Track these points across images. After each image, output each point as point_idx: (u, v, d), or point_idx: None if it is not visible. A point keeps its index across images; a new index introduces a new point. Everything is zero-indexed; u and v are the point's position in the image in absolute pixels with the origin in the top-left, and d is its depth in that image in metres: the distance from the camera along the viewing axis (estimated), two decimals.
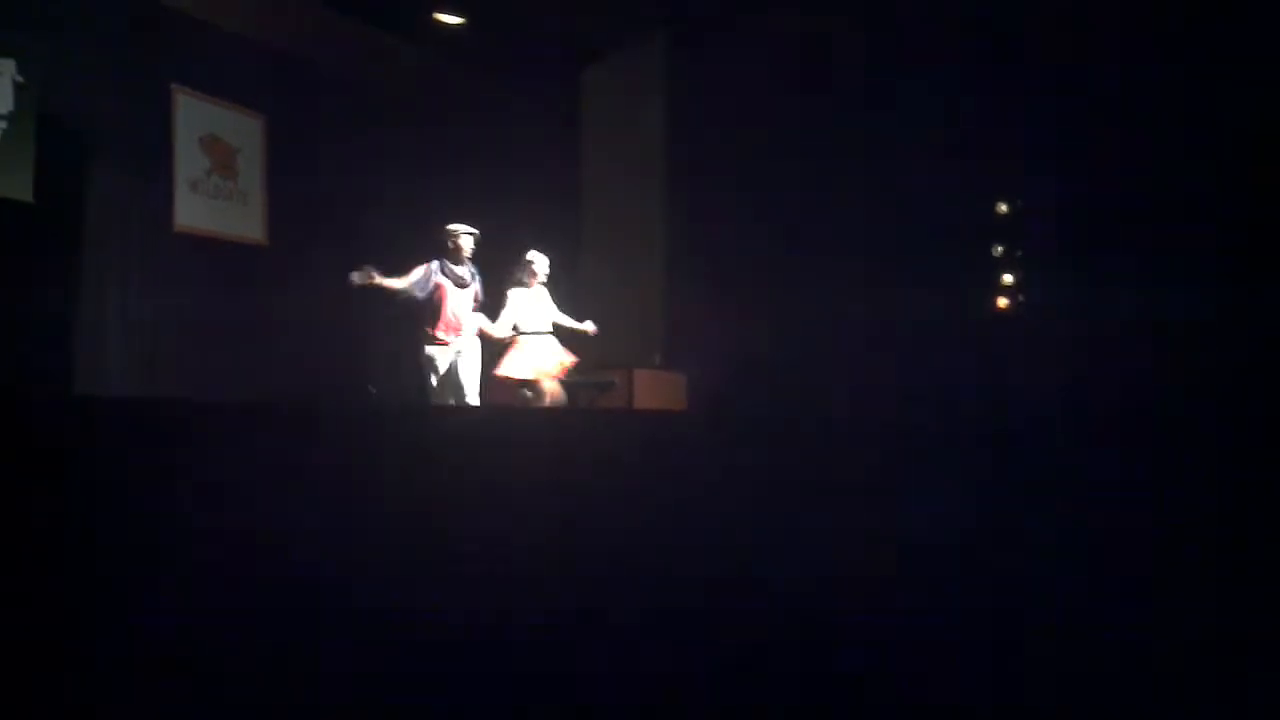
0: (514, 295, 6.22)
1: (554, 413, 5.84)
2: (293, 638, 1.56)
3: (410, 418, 3.52)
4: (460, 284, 5.99)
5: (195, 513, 1.80)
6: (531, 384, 6.19)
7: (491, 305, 6.23)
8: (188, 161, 7.13)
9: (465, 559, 1.84)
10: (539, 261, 6.26)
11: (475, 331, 6.06)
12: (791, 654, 1.72)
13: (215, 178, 7.33)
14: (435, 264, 5.96)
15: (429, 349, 5.95)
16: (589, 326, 6.40)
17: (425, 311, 5.96)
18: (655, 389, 6.92)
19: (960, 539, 2.04)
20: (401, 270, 5.92)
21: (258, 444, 2.06)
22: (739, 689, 1.66)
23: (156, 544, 1.72)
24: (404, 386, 7.29)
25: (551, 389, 6.23)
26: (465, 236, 6.04)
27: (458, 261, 6.02)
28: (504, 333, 6.14)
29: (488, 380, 6.15)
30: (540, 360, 6.17)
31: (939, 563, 1.99)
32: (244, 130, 7.59)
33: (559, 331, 6.37)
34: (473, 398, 5.99)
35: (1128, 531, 2.06)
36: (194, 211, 7.16)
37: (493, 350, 6.25)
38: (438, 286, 5.91)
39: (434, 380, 5.96)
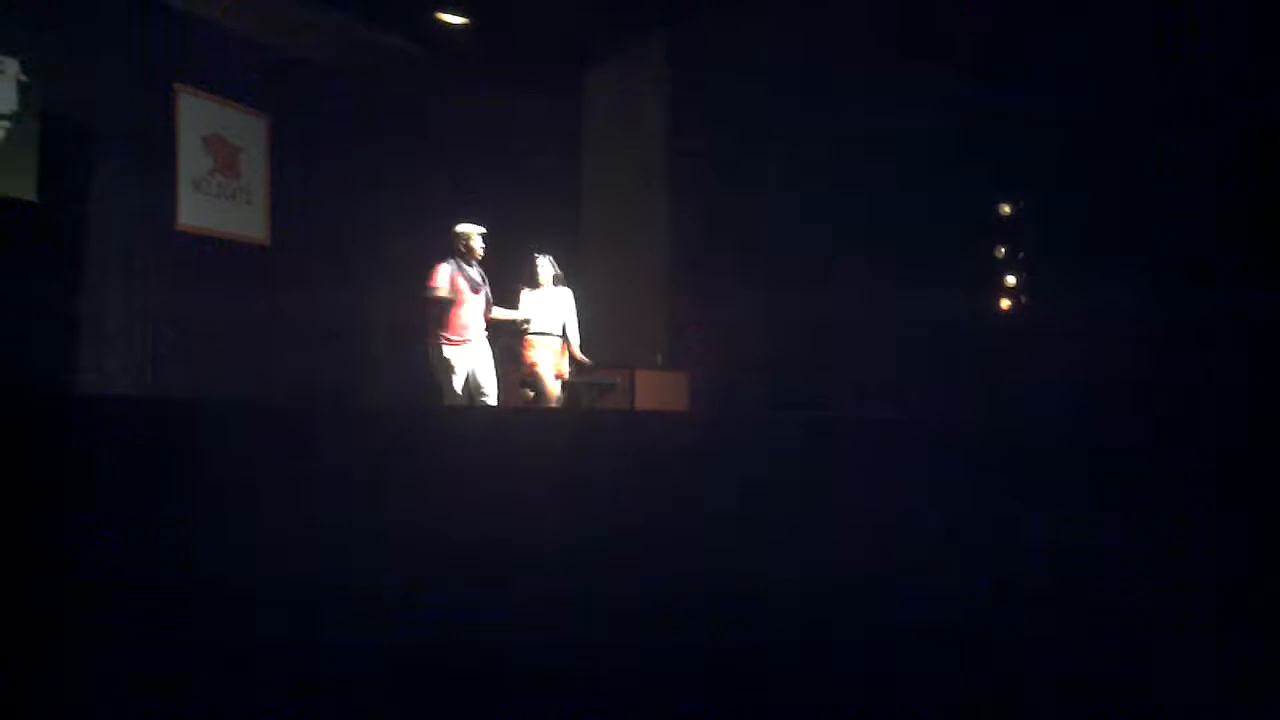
0: (525, 296, 6.24)
1: (556, 413, 5.84)
2: (292, 638, 1.57)
3: (411, 418, 3.53)
4: (474, 287, 5.96)
5: (196, 511, 1.81)
6: (535, 384, 6.19)
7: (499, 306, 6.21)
8: (191, 161, 7.14)
9: (466, 560, 1.85)
10: (543, 265, 6.27)
11: (485, 330, 6.02)
12: (792, 655, 1.73)
13: (218, 177, 7.35)
14: (451, 264, 5.93)
15: (447, 350, 5.88)
16: (583, 358, 6.37)
17: (444, 313, 5.91)
18: (657, 389, 6.93)
19: (961, 539, 2.05)
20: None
21: (259, 443, 2.08)
22: (740, 688, 1.66)
23: (158, 543, 1.74)
24: (405, 387, 7.31)
25: (553, 389, 6.23)
26: (477, 237, 6.02)
27: (469, 262, 5.99)
28: (517, 317, 6.15)
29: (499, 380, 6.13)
30: (545, 361, 6.19)
31: (939, 562, 2.00)
32: (247, 130, 7.60)
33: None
34: (491, 398, 5.95)
35: (1127, 532, 2.07)
36: (197, 211, 7.18)
37: (505, 349, 6.26)
38: (457, 288, 5.90)
39: (454, 381, 5.90)
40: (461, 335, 5.85)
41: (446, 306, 5.84)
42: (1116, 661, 1.66)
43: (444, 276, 5.86)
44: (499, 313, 6.08)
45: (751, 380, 6.58)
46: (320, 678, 1.49)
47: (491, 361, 6.02)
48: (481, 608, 1.69)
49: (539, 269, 6.24)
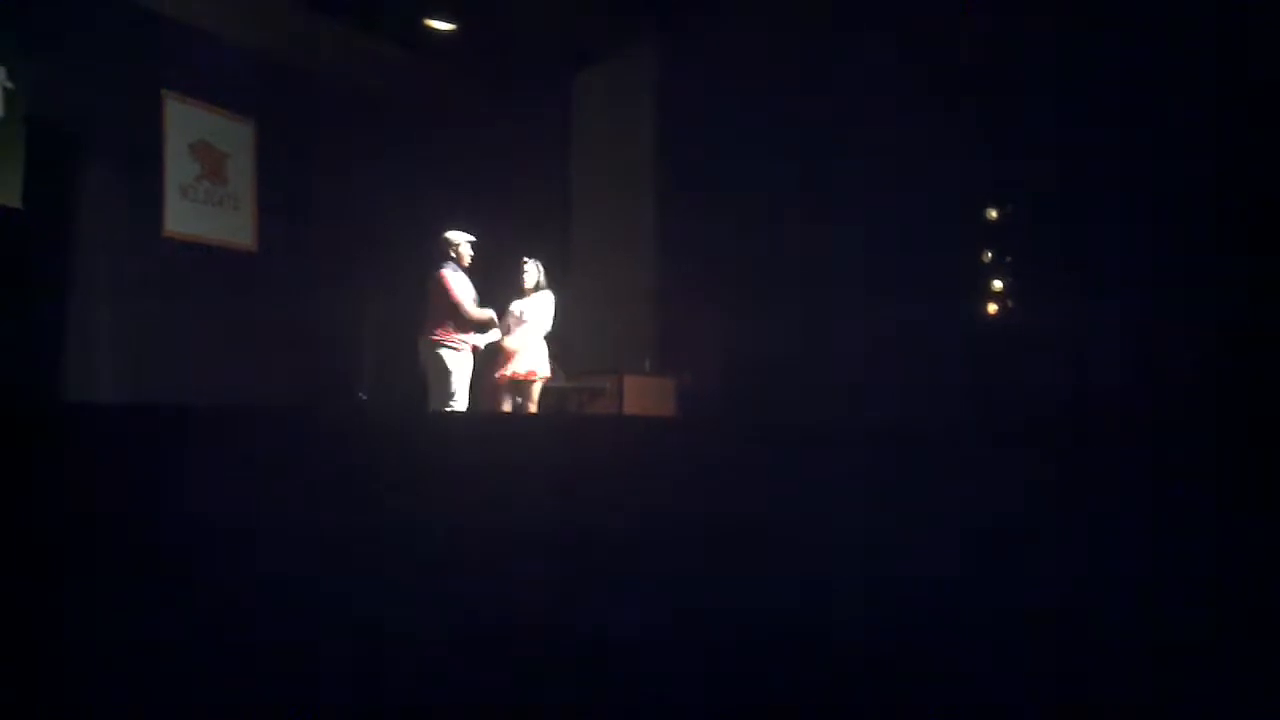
0: (516, 302, 6.27)
1: (544, 418, 5.85)
2: (288, 642, 1.56)
3: (401, 423, 3.52)
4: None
5: (186, 519, 1.80)
6: (522, 388, 6.21)
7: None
8: (178, 167, 7.12)
9: (457, 564, 1.85)
10: (530, 269, 6.31)
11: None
12: (790, 659, 1.73)
13: (205, 183, 7.33)
14: (449, 268, 5.97)
15: (440, 351, 5.92)
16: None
17: (439, 315, 5.95)
18: (645, 394, 6.93)
19: (959, 543, 2.05)
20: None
21: (247, 450, 2.07)
22: (737, 695, 1.66)
23: (149, 551, 1.73)
24: (396, 391, 7.29)
25: (539, 393, 6.27)
26: (466, 245, 6.06)
27: (459, 269, 6.04)
28: (496, 335, 6.17)
29: (475, 385, 6.15)
30: (541, 363, 6.22)
31: (936, 568, 2.00)
32: (234, 136, 7.58)
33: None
34: (463, 404, 6.00)
35: (1125, 534, 2.07)
36: (184, 217, 7.15)
37: (488, 354, 6.27)
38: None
39: (462, 383, 5.95)
40: (451, 339, 5.92)
41: (443, 309, 5.92)
42: (1119, 671, 1.66)
43: (467, 285, 5.94)
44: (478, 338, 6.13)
45: (741, 386, 6.59)
46: (318, 678, 1.49)
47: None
48: (475, 609, 1.69)
49: (526, 274, 6.30)
